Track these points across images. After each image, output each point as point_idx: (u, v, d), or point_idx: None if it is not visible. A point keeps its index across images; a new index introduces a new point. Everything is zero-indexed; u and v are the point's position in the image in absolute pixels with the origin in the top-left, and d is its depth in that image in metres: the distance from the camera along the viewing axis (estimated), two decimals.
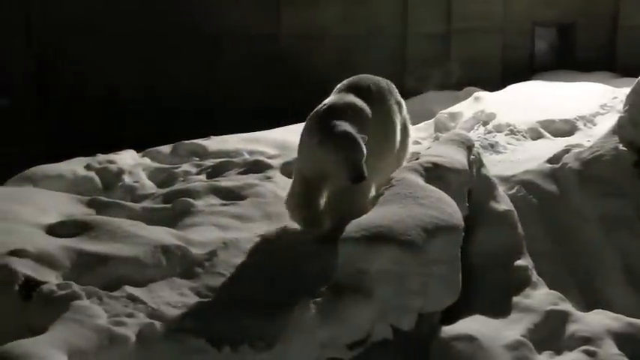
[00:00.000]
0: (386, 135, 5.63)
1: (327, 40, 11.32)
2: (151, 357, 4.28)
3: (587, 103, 8.55)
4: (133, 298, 4.76)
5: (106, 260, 5.12)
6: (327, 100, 5.55)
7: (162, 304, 4.74)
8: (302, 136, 5.54)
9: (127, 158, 7.85)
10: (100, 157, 7.59)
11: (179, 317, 4.59)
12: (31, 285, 4.71)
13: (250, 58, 11.05)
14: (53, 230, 5.55)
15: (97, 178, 7.09)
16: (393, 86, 5.93)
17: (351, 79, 5.77)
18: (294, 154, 5.95)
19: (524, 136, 7.94)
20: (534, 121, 8.12)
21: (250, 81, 10.99)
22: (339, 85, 5.77)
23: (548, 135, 7.97)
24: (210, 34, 11.00)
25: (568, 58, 11.91)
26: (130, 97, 10.56)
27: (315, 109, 5.49)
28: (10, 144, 9.42)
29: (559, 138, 7.86)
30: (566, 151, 7.09)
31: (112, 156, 7.74)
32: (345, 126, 5.14)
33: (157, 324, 4.42)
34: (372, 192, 5.55)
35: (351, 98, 5.47)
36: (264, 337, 4.40)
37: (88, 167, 7.29)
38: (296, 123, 7.82)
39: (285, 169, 6.84)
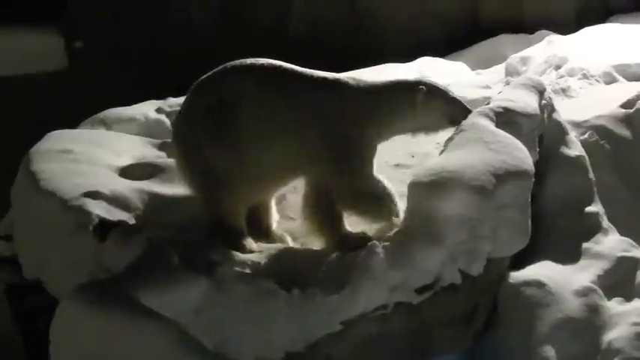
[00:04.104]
0: None
1: None
2: (222, 298, 4.35)
3: None
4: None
5: (177, 202, 5.20)
6: None
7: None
8: None
9: None
10: (171, 100, 7.64)
11: (250, 259, 4.65)
12: (105, 226, 4.80)
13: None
14: (126, 172, 5.64)
15: (167, 122, 7.15)
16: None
17: None
18: None
19: (598, 81, 7.78)
20: (608, 64, 7.94)
21: (325, 27, 10.89)
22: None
23: (622, 79, 7.80)
24: None
25: None
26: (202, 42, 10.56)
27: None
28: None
29: (634, 82, 7.70)
30: None
31: (182, 99, 7.80)
32: None
33: (229, 266, 4.49)
34: None
35: None
36: (333, 280, 4.44)
37: (159, 110, 7.36)
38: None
39: None
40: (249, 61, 4.99)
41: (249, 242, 4.88)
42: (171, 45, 10.00)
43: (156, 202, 5.22)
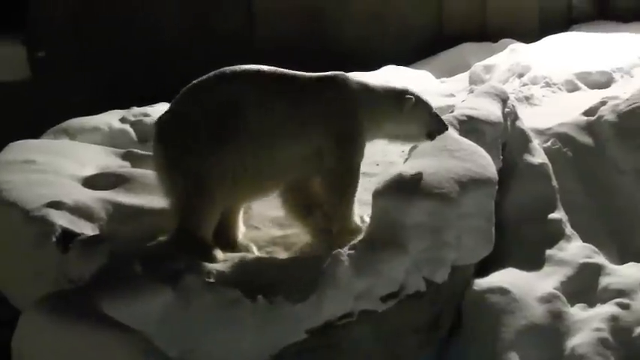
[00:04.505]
0: None
1: None
2: (187, 308, 4.33)
3: (624, 55, 8.43)
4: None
5: (141, 212, 5.18)
6: None
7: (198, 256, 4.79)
8: None
9: (161, 111, 7.85)
10: (135, 109, 7.61)
11: (215, 269, 4.63)
12: (68, 237, 4.77)
13: (288, 8, 10.94)
14: (89, 183, 5.59)
15: (131, 131, 7.12)
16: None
17: None
18: None
19: (560, 89, 7.86)
20: (570, 72, 8.02)
21: (288, 33, 10.90)
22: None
23: (584, 87, 7.89)
24: None
25: (607, 9, 11.73)
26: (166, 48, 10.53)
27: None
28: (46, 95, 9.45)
29: (595, 90, 7.78)
30: (603, 103, 7.01)
31: (146, 109, 7.77)
32: None
33: (193, 275, 4.47)
34: None
35: None
36: (298, 289, 4.43)
37: (123, 120, 7.33)
38: None
39: None
40: (243, 67, 5.06)
41: (218, 252, 4.87)
42: (133, 53, 9.95)
43: (120, 212, 5.19)
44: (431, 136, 5.25)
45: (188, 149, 4.87)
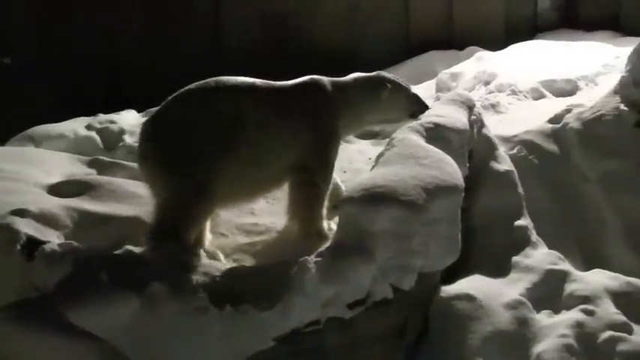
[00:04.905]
0: None
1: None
2: (153, 316, 4.30)
3: (589, 63, 8.50)
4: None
5: (107, 220, 5.15)
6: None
7: (165, 263, 4.76)
8: None
9: (128, 118, 7.84)
10: (101, 116, 7.58)
11: (181, 277, 4.61)
12: (33, 245, 4.74)
13: (254, 17, 10.95)
14: (55, 190, 5.57)
15: (98, 138, 7.09)
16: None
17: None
18: None
19: (526, 96, 7.91)
20: (536, 80, 8.08)
21: (254, 42, 10.91)
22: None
23: (549, 95, 7.94)
24: None
25: (571, 17, 11.84)
26: (132, 55, 10.49)
27: None
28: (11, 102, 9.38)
29: (561, 98, 7.84)
30: (568, 110, 7.07)
31: (113, 116, 7.74)
32: None
33: (160, 283, 4.45)
34: None
35: None
36: (265, 296, 4.42)
37: (89, 127, 7.29)
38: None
39: None
40: (239, 79, 5.18)
41: (197, 259, 4.89)
42: (98, 61, 9.91)
43: (86, 219, 5.16)
44: (414, 116, 5.59)
45: (190, 154, 4.90)
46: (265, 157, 5.11)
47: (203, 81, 5.13)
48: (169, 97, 5.12)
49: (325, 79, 5.41)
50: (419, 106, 5.65)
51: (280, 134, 5.15)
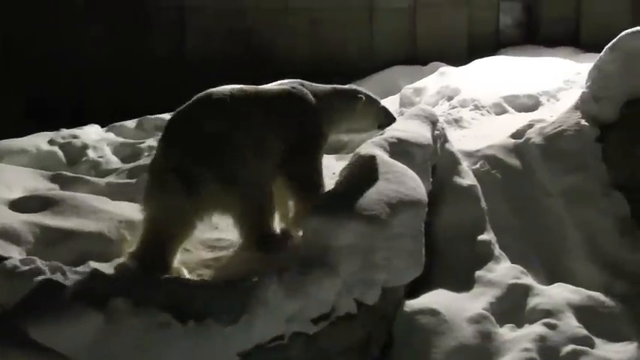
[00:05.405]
0: None
1: (296, 13, 11.25)
2: (116, 332, 4.27)
3: (550, 79, 8.58)
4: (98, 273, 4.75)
5: (70, 235, 5.11)
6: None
7: (127, 279, 4.74)
8: None
9: (91, 133, 7.80)
10: (64, 131, 7.53)
11: (144, 292, 4.58)
12: None
13: (218, 31, 10.96)
14: (17, 205, 5.51)
15: (60, 153, 7.04)
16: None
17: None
18: None
19: (489, 111, 7.97)
20: (498, 96, 8.14)
21: (218, 56, 10.92)
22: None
23: (512, 110, 8.00)
24: (176, 7, 10.89)
25: (533, 33, 11.95)
26: (95, 70, 10.45)
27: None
28: None
29: (523, 113, 7.90)
30: (530, 126, 7.13)
31: (75, 131, 7.69)
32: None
33: (122, 299, 4.42)
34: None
35: None
36: (229, 311, 4.41)
37: (51, 142, 7.24)
38: None
39: None
40: (244, 87, 5.29)
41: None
42: (62, 75, 9.87)
43: (48, 235, 5.12)
44: (381, 127, 5.86)
45: (244, 162, 4.98)
46: (275, 161, 5.28)
47: (218, 90, 5.17)
48: (190, 114, 5.08)
49: (310, 88, 5.58)
50: (387, 119, 5.86)
51: (281, 138, 5.30)
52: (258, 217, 5.09)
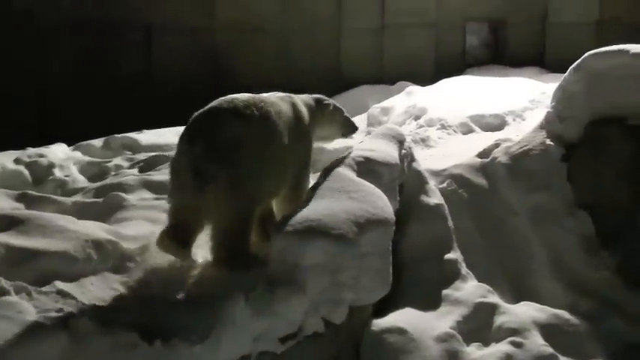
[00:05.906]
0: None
1: (263, 33, 11.28)
2: (82, 352, 4.24)
3: (516, 99, 8.67)
4: (64, 294, 4.70)
5: (35, 255, 5.06)
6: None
7: (94, 299, 4.71)
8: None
9: (57, 152, 7.76)
10: (30, 150, 7.49)
11: (110, 312, 4.56)
12: None
13: (186, 50, 10.98)
14: None
15: (26, 172, 7.00)
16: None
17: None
18: None
19: (455, 131, 8.03)
20: (465, 115, 8.21)
21: (185, 73, 10.93)
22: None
23: (478, 129, 8.07)
24: (143, 26, 10.89)
25: (499, 54, 12.07)
26: (62, 90, 10.42)
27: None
28: None
29: (489, 132, 7.97)
30: (496, 145, 7.19)
31: (42, 149, 7.65)
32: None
33: (88, 319, 4.39)
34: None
35: None
36: (196, 330, 4.39)
37: (17, 161, 7.20)
38: None
39: None
40: (260, 96, 5.37)
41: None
42: (26, 95, 9.84)
43: (13, 254, 5.06)
44: (344, 135, 6.21)
45: (251, 173, 4.99)
46: (285, 169, 5.38)
47: (230, 99, 5.19)
48: (211, 116, 5.10)
49: (299, 98, 5.79)
50: (350, 127, 6.18)
51: (291, 146, 5.43)
52: (239, 233, 5.06)
